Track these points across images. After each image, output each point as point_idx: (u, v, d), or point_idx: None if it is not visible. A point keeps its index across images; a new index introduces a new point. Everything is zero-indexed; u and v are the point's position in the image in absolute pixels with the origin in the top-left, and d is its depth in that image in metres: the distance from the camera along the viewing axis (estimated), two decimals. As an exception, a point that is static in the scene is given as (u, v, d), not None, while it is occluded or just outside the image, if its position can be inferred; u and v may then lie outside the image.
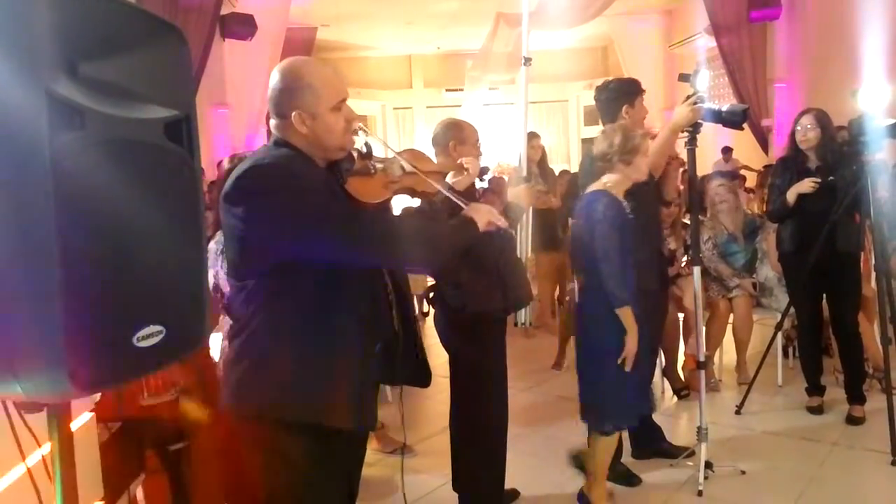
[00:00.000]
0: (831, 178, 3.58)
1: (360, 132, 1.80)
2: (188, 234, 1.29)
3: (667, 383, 4.30)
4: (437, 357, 2.82)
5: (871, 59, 5.78)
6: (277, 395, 1.63)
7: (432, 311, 2.90)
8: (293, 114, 1.65)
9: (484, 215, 1.82)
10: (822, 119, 3.66)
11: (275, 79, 1.69)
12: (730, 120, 3.03)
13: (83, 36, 1.10)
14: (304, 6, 10.06)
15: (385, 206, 1.92)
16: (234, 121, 9.45)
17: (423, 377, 1.89)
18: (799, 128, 3.67)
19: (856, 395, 3.75)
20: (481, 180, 2.78)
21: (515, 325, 5.47)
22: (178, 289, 1.24)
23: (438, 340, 2.84)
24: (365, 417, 1.77)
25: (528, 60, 3.19)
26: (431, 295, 2.79)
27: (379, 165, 1.87)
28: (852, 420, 3.69)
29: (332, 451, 1.70)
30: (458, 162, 2.33)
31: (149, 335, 1.12)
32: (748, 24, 9.06)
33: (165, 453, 2.35)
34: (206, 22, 8.09)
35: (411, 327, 1.88)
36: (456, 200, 1.93)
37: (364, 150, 1.84)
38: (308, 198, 1.59)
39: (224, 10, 8.87)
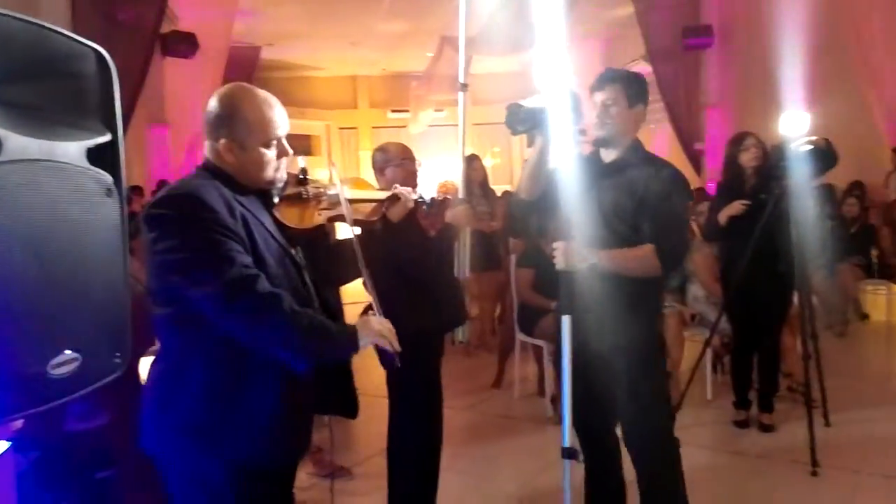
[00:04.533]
0: (763, 195, 3.74)
1: (298, 158, 1.79)
2: (110, 258, 1.29)
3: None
4: (378, 375, 2.83)
5: (792, 88, 6.09)
6: (194, 427, 1.56)
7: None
8: (222, 141, 1.64)
9: (371, 334, 1.67)
10: (761, 141, 3.88)
11: (212, 103, 1.67)
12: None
13: (1, 60, 1.09)
14: (247, 25, 9.99)
15: (319, 231, 1.91)
16: (174, 139, 9.28)
17: (351, 406, 1.84)
18: (744, 149, 3.87)
19: (766, 404, 4.01)
20: (423, 201, 2.77)
21: (453, 343, 5.55)
22: (97, 314, 1.23)
23: (377, 360, 2.84)
24: (289, 451, 1.71)
25: (464, 86, 3.25)
26: (370, 313, 2.79)
27: (312, 191, 1.85)
28: (763, 427, 3.95)
29: (259, 477, 1.63)
30: (392, 192, 2.32)
31: (63, 363, 1.11)
32: (683, 52, 9.42)
33: (91, 482, 2.28)
34: (145, 39, 7.95)
35: None
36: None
37: (301, 175, 1.83)
38: (213, 236, 1.51)
39: (165, 28, 8.75)
